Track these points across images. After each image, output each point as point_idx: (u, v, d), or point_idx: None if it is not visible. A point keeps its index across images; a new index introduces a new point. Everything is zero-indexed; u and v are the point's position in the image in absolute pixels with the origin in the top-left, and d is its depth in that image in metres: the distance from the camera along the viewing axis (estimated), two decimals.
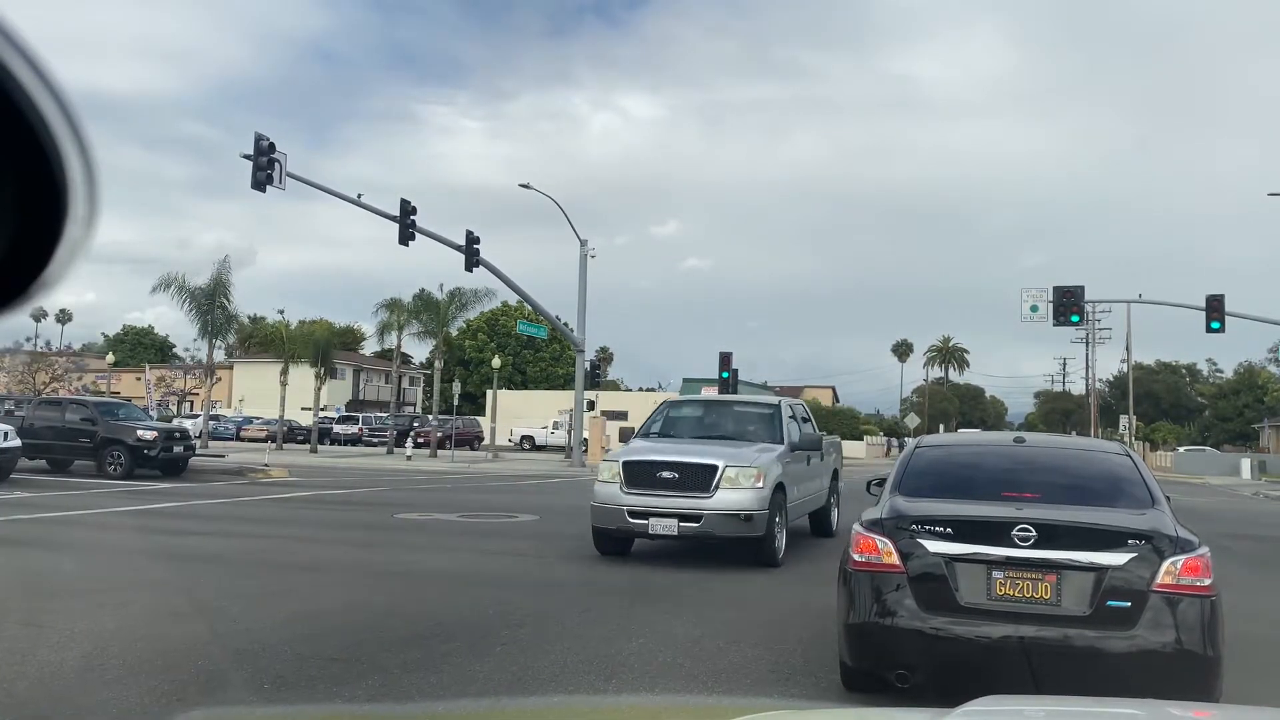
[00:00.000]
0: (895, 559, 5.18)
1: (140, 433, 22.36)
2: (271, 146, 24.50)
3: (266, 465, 25.45)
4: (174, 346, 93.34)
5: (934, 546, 5.12)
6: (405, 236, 29.21)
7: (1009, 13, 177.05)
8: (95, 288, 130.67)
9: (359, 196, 28.86)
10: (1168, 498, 5.70)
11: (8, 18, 0.75)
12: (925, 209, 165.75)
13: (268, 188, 25.05)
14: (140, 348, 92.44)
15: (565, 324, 45.28)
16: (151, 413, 55.60)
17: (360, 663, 6.10)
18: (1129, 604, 4.84)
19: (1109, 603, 4.86)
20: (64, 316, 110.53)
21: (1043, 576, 4.97)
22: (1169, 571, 4.86)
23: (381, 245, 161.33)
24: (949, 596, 5.05)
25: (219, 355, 66.59)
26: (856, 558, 5.34)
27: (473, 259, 32.14)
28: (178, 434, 23.79)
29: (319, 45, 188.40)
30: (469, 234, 32.04)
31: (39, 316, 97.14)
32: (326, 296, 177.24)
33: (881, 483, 6.25)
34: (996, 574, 5.02)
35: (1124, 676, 4.75)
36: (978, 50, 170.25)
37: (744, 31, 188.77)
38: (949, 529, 5.16)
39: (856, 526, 5.53)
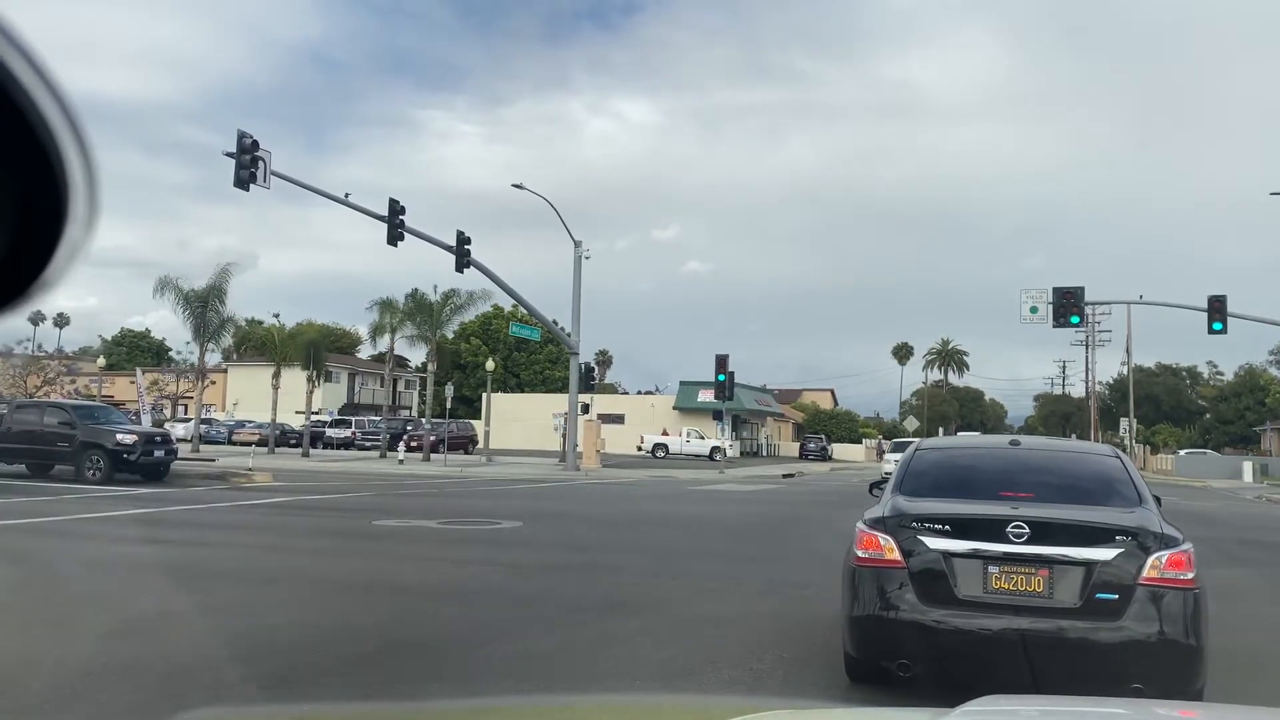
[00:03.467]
0: (897, 555, 5.38)
1: (119, 437, 21.83)
2: (255, 145, 23.99)
3: (250, 470, 24.92)
4: (170, 350, 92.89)
5: (934, 543, 5.32)
6: (394, 236, 28.73)
7: (1004, 16, 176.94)
8: (96, 292, 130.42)
9: (346, 196, 28.42)
10: (1157, 498, 5.90)
11: (9, 19, 0.75)
12: (924, 212, 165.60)
13: (260, 188, 24.66)
14: (137, 351, 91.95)
15: (561, 327, 44.76)
16: (144, 416, 55.16)
17: (296, 685, 5.59)
18: (1117, 596, 5.07)
19: (1098, 595, 5.08)
20: (62, 320, 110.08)
21: (1036, 571, 5.19)
22: (1154, 566, 5.09)
23: (382, 249, 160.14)
24: (948, 590, 5.25)
25: (216, 359, 66.33)
26: (860, 554, 5.52)
27: (463, 259, 31.67)
28: (158, 438, 23.28)
29: (317, 51, 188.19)
30: (459, 234, 31.58)
31: (37, 320, 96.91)
32: (327, 300, 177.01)
33: (883, 485, 6.50)
34: (992, 569, 5.24)
35: (1112, 665, 4.99)
36: (974, 54, 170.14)
37: (739, 36, 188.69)
38: (948, 526, 5.35)
39: (860, 524, 5.70)
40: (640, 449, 55.27)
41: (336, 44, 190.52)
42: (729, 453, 54.50)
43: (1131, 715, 2.71)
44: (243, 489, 22.16)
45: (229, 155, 23.65)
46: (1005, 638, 5.08)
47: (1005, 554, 5.23)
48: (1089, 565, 5.13)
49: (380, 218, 28.66)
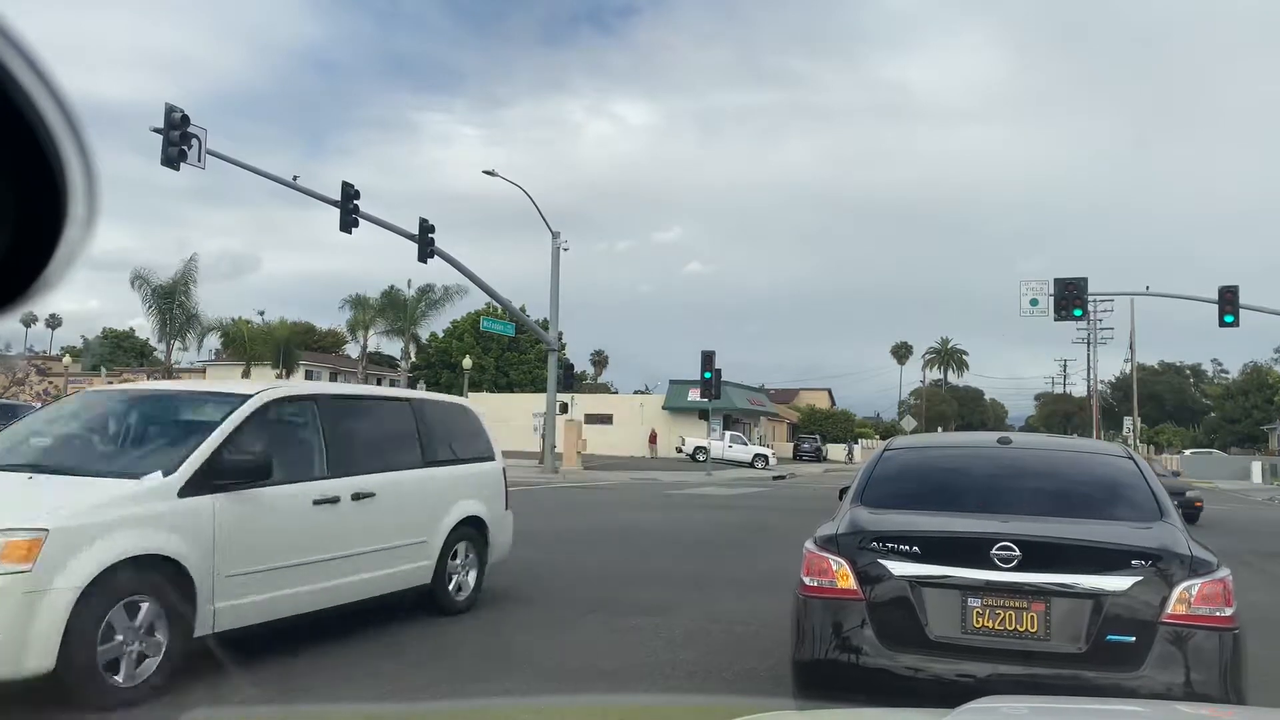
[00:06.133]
0: (852, 583, 4.40)
1: None
2: (185, 119, 22.01)
3: None
4: (154, 350, 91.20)
5: (898, 568, 4.34)
6: (347, 224, 26.83)
7: (1001, 17, 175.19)
8: (98, 294, 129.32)
9: (295, 179, 26.53)
10: (1178, 506, 4.90)
11: (9, 20, 0.76)
12: (924, 212, 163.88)
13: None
14: (120, 351, 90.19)
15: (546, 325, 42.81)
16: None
17: None
18: (1133, 639, 4.08)
19: (1109, 637, 4.10)
20: (54, 321, 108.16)
21: (1028, 605, 4.19)
22: (1182, 599, 4.09)
23: (383, 251, 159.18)
24: (915, 629, 4.27)
25: (195, 358, 64.61)
26: (807, 581, 4.56)
27: (427, 249, 29.76)
28: None
29: (316, 55, 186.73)
30: (423, 222, 29.66)
31: (29, 321, 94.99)
32: (328, 302, 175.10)
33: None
34: (973, 602, 4.24)
35: None
36: (972, 56, 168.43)
37: (736, 39, 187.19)
38: (916, 547, 4.36)
39: (808, 544, 4.70)
40: (680, 450, 53.14)
41: (335, 47, 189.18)
42: (772, 460, 51.95)
43: (1140, 715, 2.51)
44: None
45: (155, 131, 21.69)
46: (989, 690, 3.84)
47: (989, 583, 4.21)
48: (1097, 598, 4.12)
49: (333, 202, 26.75)
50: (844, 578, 4.42)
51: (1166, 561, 4.20)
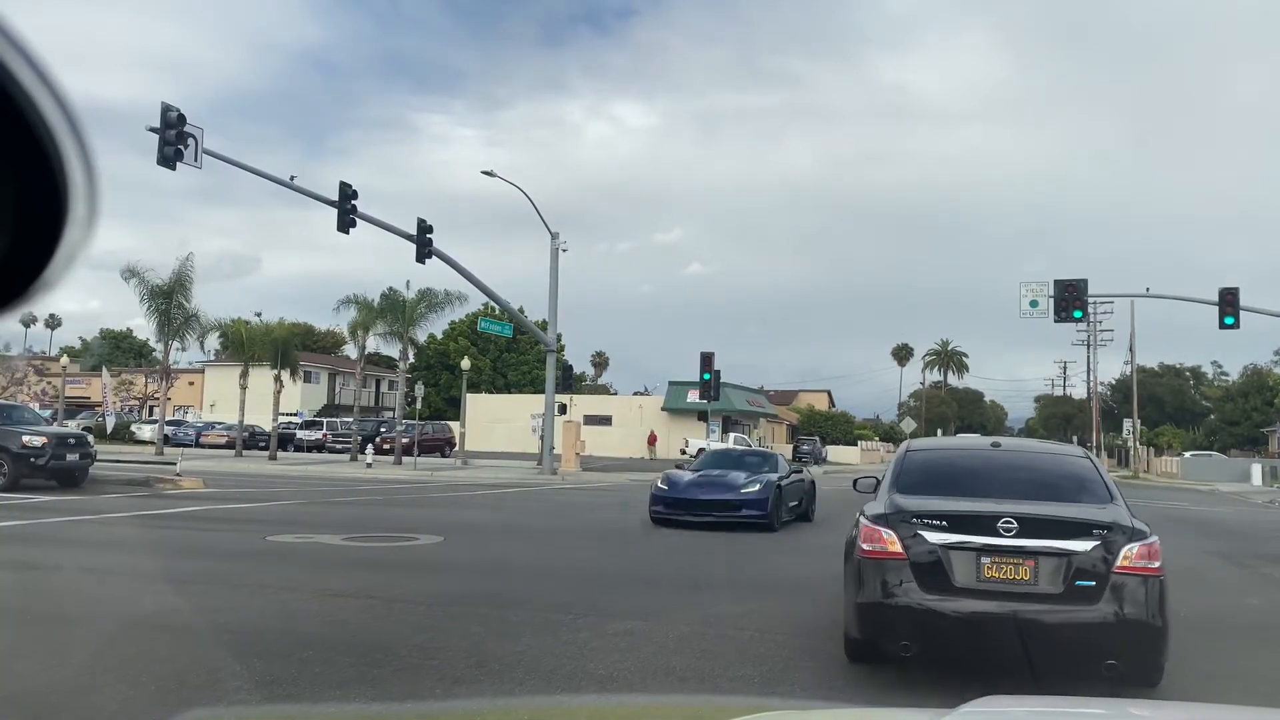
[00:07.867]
0: (898, 547, 5.90)
1: (25, 439, 19.76)
2: (181, 119, 21.92)
3: (178, 475, 22.89)
4: (153, 350, 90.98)
5: (932, 537, 5.85)
6: (344, 224, 26.71)
7: (1001, 17, 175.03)
8: (99, 295, 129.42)
9: (292, 179, 26.43)
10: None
11: (9, 20, 0.77)
12: (924, 214, 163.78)
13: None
14: (119, 351, 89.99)
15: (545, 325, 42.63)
16: (109, 418, 53.17)
17: None
18: (1094, 583, 5.65)
19: (1078, 582, 5.66)
20: (53, 321, 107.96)
21: (1023, 561, 5.75)
22: (1126, 556, 5.67)
23: (383, 252, 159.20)
24: (944, 579, 5.78)
25: (194, 358, 64.48)
26: (865, 546, 6.04)
27: (425, 249, 29.65)
28: (72, 440, 21.22)
29: (316, 56, 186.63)
30: (420, 222, 29.56)
31: (28, 321, 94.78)
32: (327, 303, 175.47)
33: (862, 480, 7.94)
34: (985, 559, 5.79)
35: (1090, 644, 5.55)
36: (971, 57, 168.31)
37: (734, 39, 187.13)
38: (945, 521, 5.92)
39: (863, 519, 6.26)
40: (684, 452, 53.02)
41: (335, 48, 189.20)
42: None
43: (1137, 714, 2.71)
44: (164, 495, 20.13)
45: (151, 130, 21.59)
46: (996, 620, 5.59)
47: (996, 546, 5.75)
48: (1070, 556, 5.70)
49: (330, 202, 26.65)
50: (892, 543, 5.93)
51: (1116, 531, 5.80)
